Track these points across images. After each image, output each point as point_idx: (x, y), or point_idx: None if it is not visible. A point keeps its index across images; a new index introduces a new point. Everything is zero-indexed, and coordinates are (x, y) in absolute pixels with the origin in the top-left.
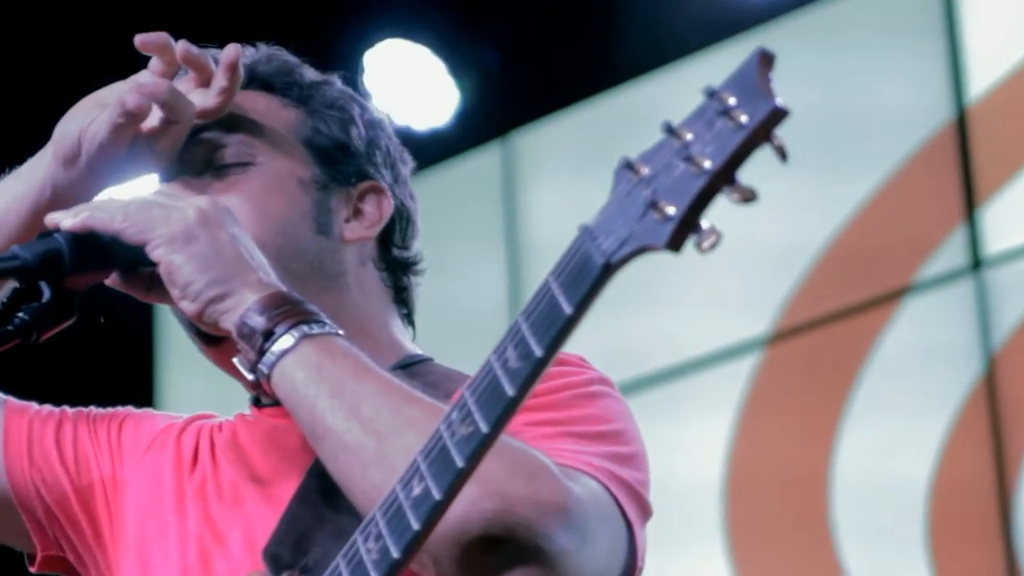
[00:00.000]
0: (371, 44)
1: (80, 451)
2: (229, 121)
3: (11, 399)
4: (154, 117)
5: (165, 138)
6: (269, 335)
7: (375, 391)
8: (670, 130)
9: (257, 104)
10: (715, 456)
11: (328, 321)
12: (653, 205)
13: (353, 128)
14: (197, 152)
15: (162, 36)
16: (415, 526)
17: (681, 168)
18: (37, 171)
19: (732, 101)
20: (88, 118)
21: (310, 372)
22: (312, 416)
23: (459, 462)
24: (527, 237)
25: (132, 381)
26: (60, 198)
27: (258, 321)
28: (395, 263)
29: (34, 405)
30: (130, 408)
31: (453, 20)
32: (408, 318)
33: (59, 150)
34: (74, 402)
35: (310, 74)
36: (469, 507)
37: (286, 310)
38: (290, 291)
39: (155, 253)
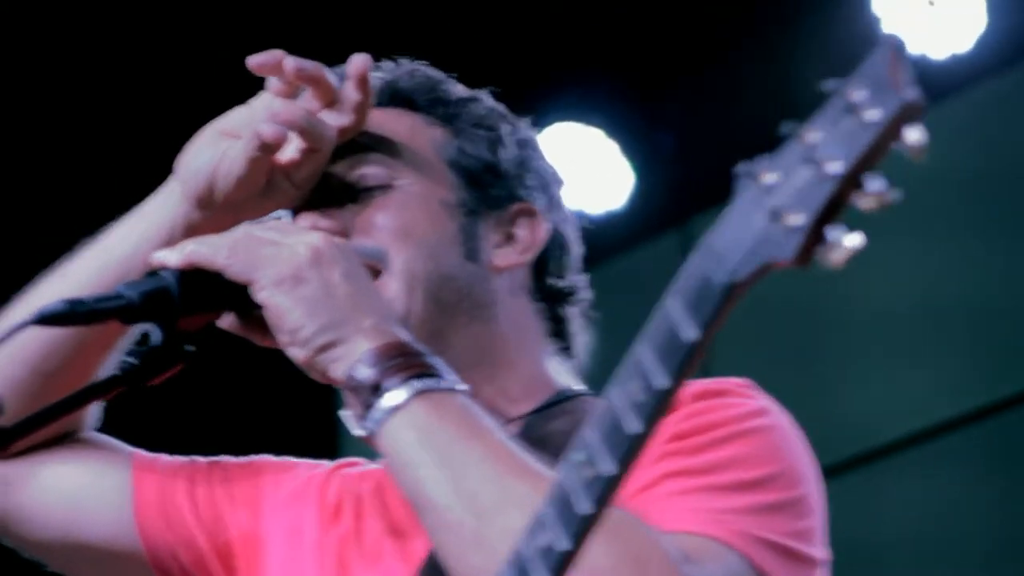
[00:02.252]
0: (542, 128)
1: (216, 508)
2: (367, 142)
3: (139, 453)
4: (291, 146)
5: (305, 168)
6: (378, 390)
7: (483, 460)
8: (794, 132)
9: (398, 123)
10: None
11: (447, 374)
12: (777, 215)
13: (502, 148)
14: (334, 179)
15: (278, 54)
16: None
17: (807, 173)
18: (165, 210)
19: (860, 97)
20: (217, 152)
21: (418, 435)
22: (415, 485)
23: (585, 508)
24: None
25: (314, 426)
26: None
27: (368, 373)
28: (550, 293)
29: (163, 458)
30: (267, 456)
31: (627, 101)
32: (567, 351)
33: (189, 189)
34: (256, 448)
35: (457, 90)
36: None
37: (400, 362)
38: (411, 340)
39: (261, 295)
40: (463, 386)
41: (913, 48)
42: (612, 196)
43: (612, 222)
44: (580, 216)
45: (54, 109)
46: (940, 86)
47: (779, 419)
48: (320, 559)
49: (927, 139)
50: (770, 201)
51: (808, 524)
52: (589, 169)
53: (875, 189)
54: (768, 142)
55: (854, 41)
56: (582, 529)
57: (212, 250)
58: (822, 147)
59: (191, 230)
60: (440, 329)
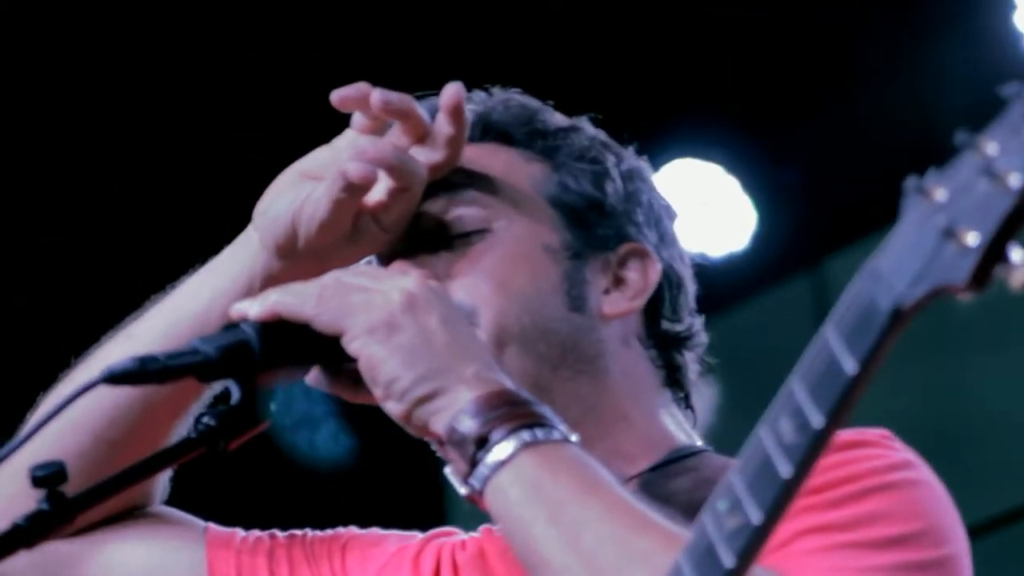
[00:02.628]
0: (659, 166)
1: None
2: (459, 181)
3: (213, 527)
4: (380, 187)
5: (394, 209)
6: (483, 443)
7: (601, 517)
8: (969, 142)
9: (493, 159)
10: None
11: (558, 424)
12: (950, 234)
13: (608, 182)
14: (426, 221)
15: (363, 87)
16: None
17: (983, 187)
18: (241, 261)
19: None
20: (299, 196)
21: (526, 490)
22: (526, 543)
23: (727, 562)
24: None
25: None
26: None
27: (470, 426)
28: (665, 338)
29: (240, 532)
30: (353, 529)
31: (748, 135)
32: (685, 401)
33: (268, 236)
34: (361, 520)
35: (555, 119)
36: None
37: (505, 412)
38: (516, 388)
39: (353, 345)
40: (575, 437)
41: None
42: (734, 237)
43: (734, 265)
44: (700, 258)
45: (126, 152)
46: None
47: (923, 473)
48: None
49: None
50: (942, 219)
51: None
52: (708, 208)
53: None
54: (905, 172)
55: (994, 59)
56: None
57: (299, 299)
58: (1001, 158)
59: (271, 282)
60: (541, 386)
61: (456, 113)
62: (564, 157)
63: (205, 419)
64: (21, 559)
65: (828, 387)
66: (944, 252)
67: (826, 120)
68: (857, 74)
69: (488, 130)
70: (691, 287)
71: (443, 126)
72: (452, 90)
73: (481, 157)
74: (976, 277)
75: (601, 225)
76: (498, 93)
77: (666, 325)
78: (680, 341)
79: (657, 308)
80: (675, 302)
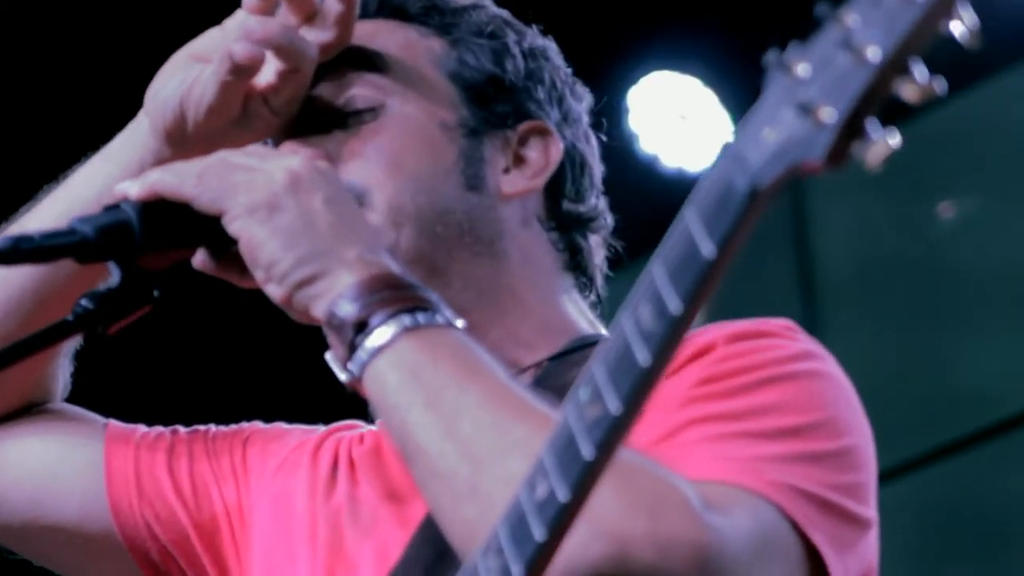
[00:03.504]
0: (636, 79)
1: (198, 480)
2: (353, 60)
3: (113, 423)
4: (268, 68)
5: (284, 91)
6: (362, 327)
7: (480, 403)
8: (830, 14)
9: (389, 36)
10: None
11: (442, 308)
12: (806, 110)
13: (508, 59)
14: (319, 103)
15: None
16: (538, 536)
17: (844, 61)
18: (133, 147)
19: None
20: (187, 79)
21: (404, 376)
22: (403, 431)
23: (586, 453)
24: (818, 257)
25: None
26: None
27: (349, 310)
28: (567, 219)
29: (141, 428)
30: (256, 424)
31: (727, 49)
32: (589, 286)
33: (158, 122)
34: (252, 412)
35: None
36: (576, 551)
37: (387, 296)
38: (400, 272)
39: (233, 226)
40: (460, 321)
41: None
42: (712, 151)
43: None
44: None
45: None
46: None
47: (826, 364)
48: (312, 531)
49: (976, 20)
50: (802, 94)
51: (853, 478)
52: (686, 122)
53: (921, 78)
54: None
55: None
56: (584, 477)
57: (179, 179)
58: (861, 31)
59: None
60: (437, 267)
61: None
62: (463, 33)
63: (83, 302)
64: None
65: (686, 271)
66: (802, 129)
67: (808, 30)
68: None
69: (384, 5)
70: (596, 168)
71: (332, 4)
72: None
73: (376, 34)
74: (832, 155)
75: (500, 102)
76: None
77: (568, 206)
78: (583, 222)
79: (559, 188)
80: (578, 182)
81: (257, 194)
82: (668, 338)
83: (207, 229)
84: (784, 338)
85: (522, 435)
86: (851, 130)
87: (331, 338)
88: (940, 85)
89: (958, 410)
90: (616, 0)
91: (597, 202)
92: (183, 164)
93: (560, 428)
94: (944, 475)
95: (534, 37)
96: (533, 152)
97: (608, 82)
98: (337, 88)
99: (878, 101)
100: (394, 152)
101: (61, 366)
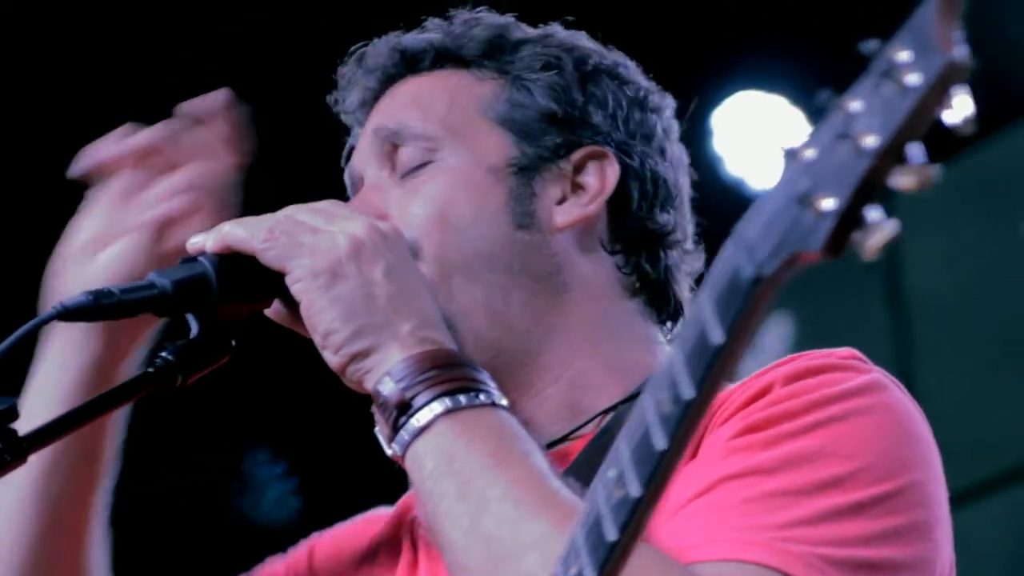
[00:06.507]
0: (722, 98)
1: None
2: (403, 120)
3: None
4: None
5: (197, 221)
6: (406, 408)
7: (504, 495)
8: (834, 103)
9: (442, 87)
10: None
11: (486, 386)
12: (807, 200)
13: (564, 89)
14: (388, 141)
15: (100, 154)
16: None
17: (844, 149)
18: (70, 361)
19: (902, 58)
20: (102, 264)
21: (439, 463)
22: (435, 519)
23: (610, 534)
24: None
25: None
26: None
27: (393, 389)
28: (633, 238)
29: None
30: (314, 535)
31: (813, 67)
32: (664, 308)
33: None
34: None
35: (518, 32)
36: None
37: (432, 376)
38: (452, 349)
39: (295, 287)
40: (503, 400)
41: None
42: None
43: None
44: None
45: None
46: None
47: (884, 396)
48: None
49: (972, 108)
50: (805, 183)
51: (901, 521)
52: (773, 141)
53: (917, 163)
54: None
55: None
56: (608, 558)
57: (249, 232)
58: (860, 118)
59: (112, 367)
60: (496, 312)
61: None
62: (519, 70)
63: (164, 354)
64: None
65: (699, 357)
66: (803, 218)
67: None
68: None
69: (440, 58)
70: (678, 180)
71: (211, 136)
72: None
73: (430, 87)
74: (831, 244)
75: (551, 135)
76: (460, 15)
77: (635, 223)
78: (652, 239)
79: (625, 207)
80: (648, 198)
81: (320, 259)
82: (684, 422)
83: (280, 283)
84: (844, 371)
85: (541, 532)
86: (851, 219)
87: (377, 415)
88: (936, 172)
89: None
90: (698, 20)
91: (672, 216)
92: (254, 218)
93: (590, 507)
94: None
95: (601, 57)
96: (590, 177)
97: (690, 104)
98: (392, 151)
99: (877, 189)
100: (441, 202)
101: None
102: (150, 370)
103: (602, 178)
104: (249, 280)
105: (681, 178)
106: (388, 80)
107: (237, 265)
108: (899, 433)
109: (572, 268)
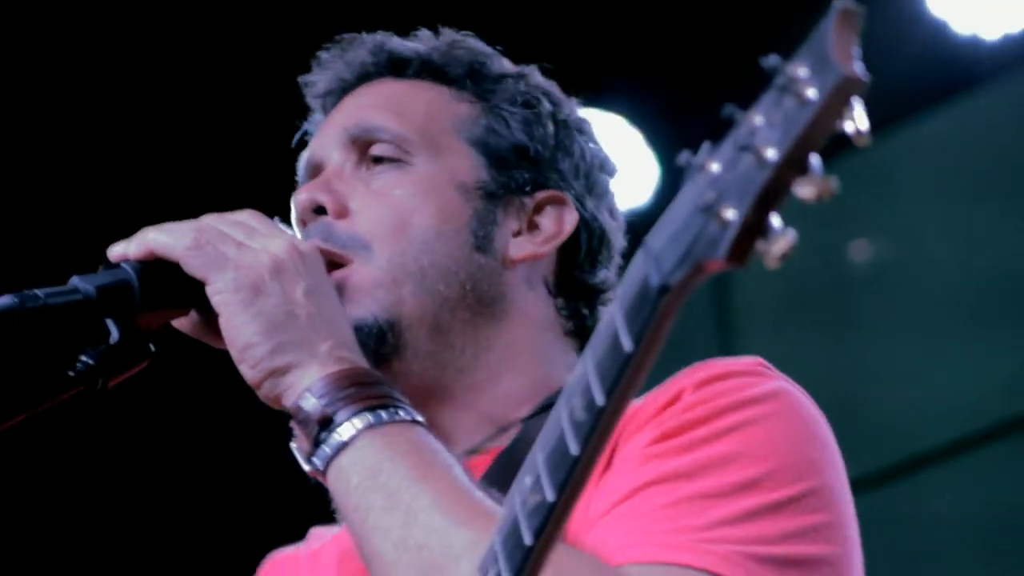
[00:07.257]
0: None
1: None
2: (394, 110)
3: None
4: None
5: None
6: (327, 423)
7: (432, 506)
8: (736, 116)
9: (420, 95)
10: None
11: (404, 404)
12: (711, 210)
13: (539, 128)
14: (360, 137)
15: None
16: None
17: (747, 161)
18: None
19: (801, 73)
20: None
21: (364, 477)
22: (362, 533)
23: (527, 538)
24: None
25: None
26: None
27: (315, 405)
28: (576, 288)
29: None
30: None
31: (652, 88)
32: None
33: None
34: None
35: (500, 66)
36: None
37: (352, 392)
38: (368, 368)
39: (215, 299)
40: (420, 418)
41: (964, 28)
42: (637, 191)
43: (636, 221)
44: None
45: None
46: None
47: (788, 402)
48: None
49: (866, 121)
50: (710, 194)
51: (817, 519)
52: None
53: (818, 174)
54: None
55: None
56: (525, 564)
57: (172, 239)
58: (762, 131)
59: None
60: (440, 325)
61: None
62: (498, 100)
63: (84, 358)
64: None
65: (610, 364)
66: (708, 228)
67: (735, 72)
68: (765, 23)
69: (423, 68)
70: (617, 242)
71: None
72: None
73: (409, 94)
74: (735, 253)
75: (522, 169)
76: (448, 34)
77: (579, 275)
78: (592, 292)
79: (573, 258)
80: (593, 254)
81: (243, 274)
82: (596, 429)
83: (199, 292)
84: (751, 376)
85: (471, 540)
86: (753, 228)
87: (297, 430)
88: (835, 182)
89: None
90: (545, 35)
91: (609, 274)
92: (178, 224)
93: (507, 513)
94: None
95: (572, 110)
96: (547, 220)
97: None
98: (371, 133)
99: (779, 199)
100: (405, 210)
101: None
102: (71, 374)
103: (559, 223)
104: (169, 287)
105: (619, 242)
106: (364, 76)
107: (158, 273)
108: (807, 437)
109: (517, 299)
